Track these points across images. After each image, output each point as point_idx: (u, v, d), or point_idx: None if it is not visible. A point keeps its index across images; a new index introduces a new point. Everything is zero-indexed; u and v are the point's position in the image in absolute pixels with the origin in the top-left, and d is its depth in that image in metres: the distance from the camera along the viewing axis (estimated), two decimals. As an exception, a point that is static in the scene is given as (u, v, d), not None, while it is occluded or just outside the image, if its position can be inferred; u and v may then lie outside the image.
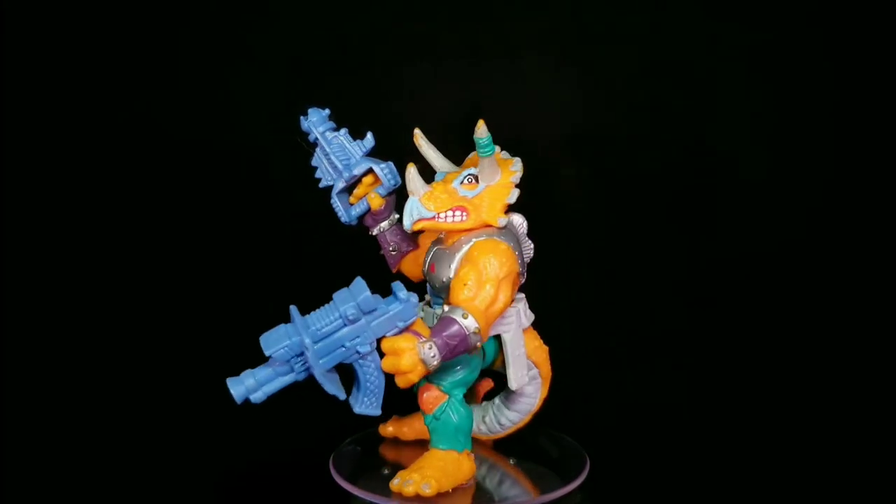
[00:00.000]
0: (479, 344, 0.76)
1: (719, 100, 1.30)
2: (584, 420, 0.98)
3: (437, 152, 0.87)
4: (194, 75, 1.30)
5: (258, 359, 1.19)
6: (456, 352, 0.75)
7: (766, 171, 1.29)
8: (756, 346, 1.18)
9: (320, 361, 0.78)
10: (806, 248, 1.27)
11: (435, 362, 0.74)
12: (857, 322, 1.19)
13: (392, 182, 0.86)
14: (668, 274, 1.28)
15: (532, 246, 0.85)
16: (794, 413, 1.01)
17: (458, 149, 0.88)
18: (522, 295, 0.87)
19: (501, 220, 0.81)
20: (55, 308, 1.25)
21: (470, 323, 0.75)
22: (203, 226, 1.31)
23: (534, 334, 0.88)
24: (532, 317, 0.87)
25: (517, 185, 0.82)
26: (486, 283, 0.77)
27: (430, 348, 0.74)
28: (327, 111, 0.90)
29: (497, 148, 0.82)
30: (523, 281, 0.85)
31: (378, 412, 0.81)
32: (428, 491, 0.78)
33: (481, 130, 0.78)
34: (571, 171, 1.29)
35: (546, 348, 0.88)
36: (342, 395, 0.80)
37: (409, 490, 0.78)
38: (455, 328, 0.75)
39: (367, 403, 0.81)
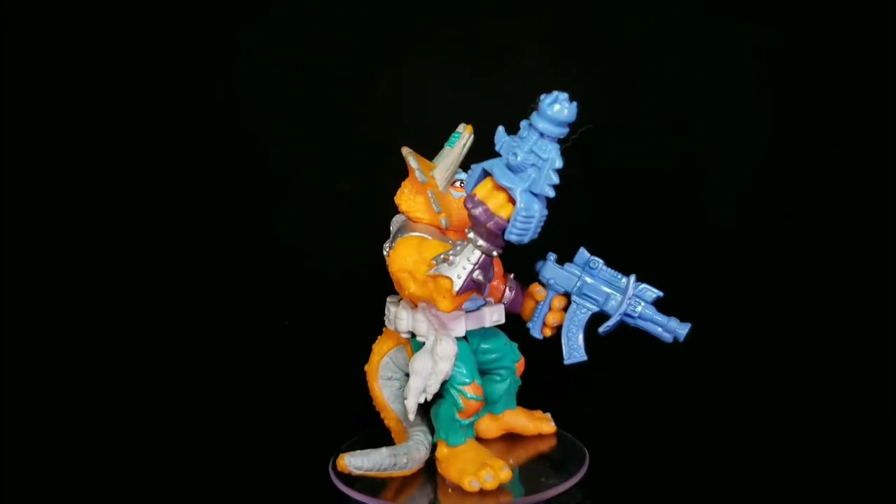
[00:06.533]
0: None
1: (719, 100, 1.29)
2: (584, 417, 0.98)
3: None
4: (192, 76, 1.30)
5: (256, 358, 1.20)
6: None
7: (766, 171, 1.29)
8: (757, 345, 1.18)
9: None
10: (807, 248, 1.27)
11: None
12: (858, 322, 1.19)
13: None
14: (668, 273, 1.28)
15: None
16: (794, 411, 1.00)
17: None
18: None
19: None
20: (54, 309, 1.25)
21: None
22: (200, 226, 1.31)
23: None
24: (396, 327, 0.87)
25: None
26: None
27: None
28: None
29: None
30: None
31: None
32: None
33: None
34: (571, 170, 1.29)
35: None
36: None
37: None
38: None
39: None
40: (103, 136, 1.29)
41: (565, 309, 0.91)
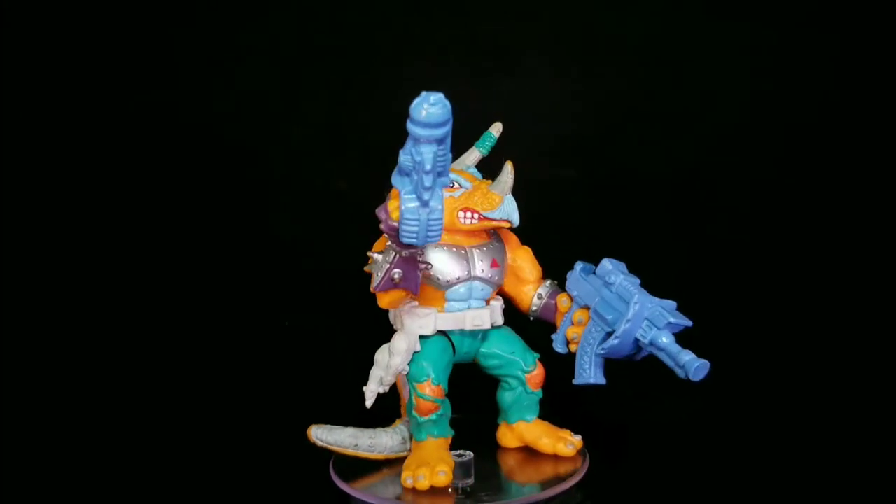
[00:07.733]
0: None
1: (719, 100, 1.29)
2: (583, 417, 0.98)
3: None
4: (192, 76, 1.30)
5: (256, 358, 1.20)
6: None
7: (766, 171, 1.29)
8: (756, 346, 1.17)
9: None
10: (807, 248, 1.27)
11: None
12: (862, 323, 1.18)
13: None
14: (668, 275, 1.27)
15: None
16: (793, 412, 1.00)
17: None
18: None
19: None
20: (54, 310, 1.25)
21: None
22: (200, 226, 1.31)
23: None
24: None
25: None
26: None
27: None
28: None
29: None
30: None
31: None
32: None
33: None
34: (569, 171, 1.29)
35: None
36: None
37: None
38: None
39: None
40: (103, 136, 1.29)
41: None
